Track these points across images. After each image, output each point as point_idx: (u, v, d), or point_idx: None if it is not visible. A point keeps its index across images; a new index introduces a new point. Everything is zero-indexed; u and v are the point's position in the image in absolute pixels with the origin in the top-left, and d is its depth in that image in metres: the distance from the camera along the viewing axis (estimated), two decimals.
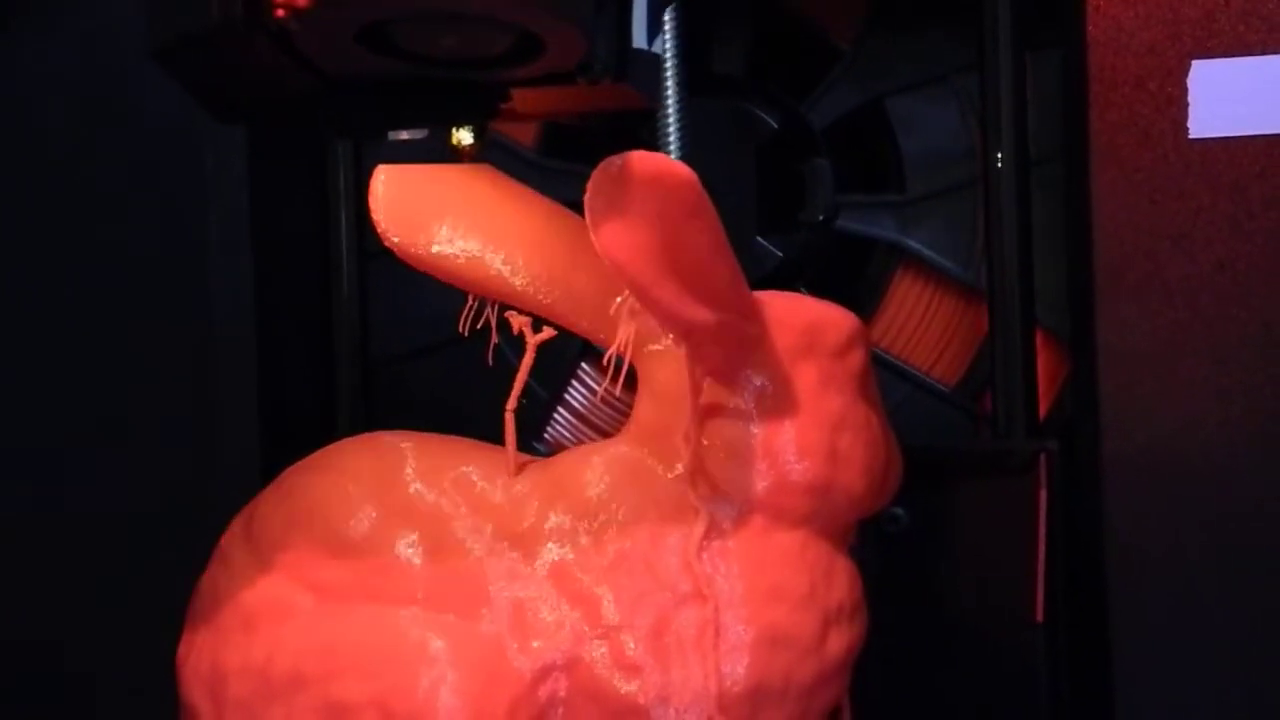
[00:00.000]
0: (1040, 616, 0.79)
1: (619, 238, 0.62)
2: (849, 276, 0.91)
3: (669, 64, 0.83)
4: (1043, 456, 0.80)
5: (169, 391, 0.85)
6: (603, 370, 0.69)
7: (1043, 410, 0.85)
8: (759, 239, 0.89)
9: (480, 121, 0.68)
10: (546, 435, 0.92)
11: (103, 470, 0.85)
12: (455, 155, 0.68)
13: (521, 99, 0.65)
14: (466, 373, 0.82)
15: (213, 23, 0.59)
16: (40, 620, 0.85)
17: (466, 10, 0.59)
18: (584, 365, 0.91)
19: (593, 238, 0.62)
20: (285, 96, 0.64)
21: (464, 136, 0.67)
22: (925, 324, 0.89)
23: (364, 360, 0.92)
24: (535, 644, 0.67)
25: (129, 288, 0.85)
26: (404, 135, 0.69)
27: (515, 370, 0.71)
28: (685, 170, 0.63)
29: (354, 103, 0.64)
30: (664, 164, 0.63)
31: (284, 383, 0.88)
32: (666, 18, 0.83)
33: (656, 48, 0.64)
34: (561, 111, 0.68)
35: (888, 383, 0.85)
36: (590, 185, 0.62)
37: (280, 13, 0.57)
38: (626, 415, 0.71)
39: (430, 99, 0.65)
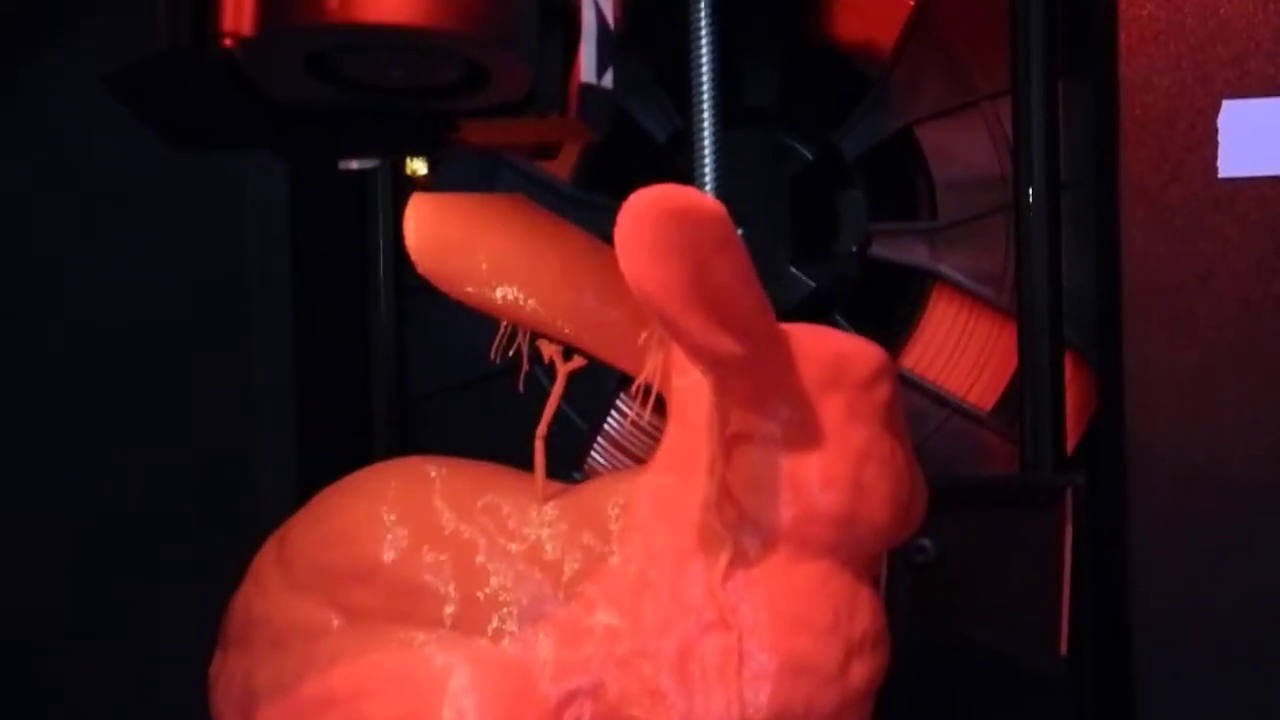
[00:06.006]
0: (1064, 650, 0.80)
1: (647, 270, 0.63)
2: (883, 304, 0.91)
3: (704, 95, 0.84)
4: (1069, 490, 0.80)
5: (208, 418, 0.86)
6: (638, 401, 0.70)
7: (1073, 442, 0.85)
8: (792, 269, 0.89)
9: (430, 152, 0.67)
10: (586, 467, 0.92)
11: (144, 491, 0.86)
12: (412, 185, 0.68)
13: (473, 130, 0.65)
14: (503, 408, 0.83)
15: (161, 51, 0.59)
16: (82, 638, 0.87)
17: (406, 42, 0.59)
18: (622, 396, 0.92)
19: (622, 269, 0.63)
20: (237, 124, 0.64)
21: (418, 166, 0.68)
22: (960, 349, 0.90)
23: (401, 394, 0.93)
24: (561, 670, 0.68)
25: (169, 315, 0.86)
26: (354, 165, 0.69)
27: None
28: (713, 204, 0.63)
29: (305, 131, 0.64)
30: (693, 197, 0.63)
31: (320, 414, 0.89)
32: (702, 49, 0.84)
33: (606, 82, 0.65)
34: (515, 143, 0.68)
35: (924, 408, 0.85)
36: (620, 218, 0.62)
37: (227, 42, 0.58)
38: None
39: (380, 128, 0.65)
